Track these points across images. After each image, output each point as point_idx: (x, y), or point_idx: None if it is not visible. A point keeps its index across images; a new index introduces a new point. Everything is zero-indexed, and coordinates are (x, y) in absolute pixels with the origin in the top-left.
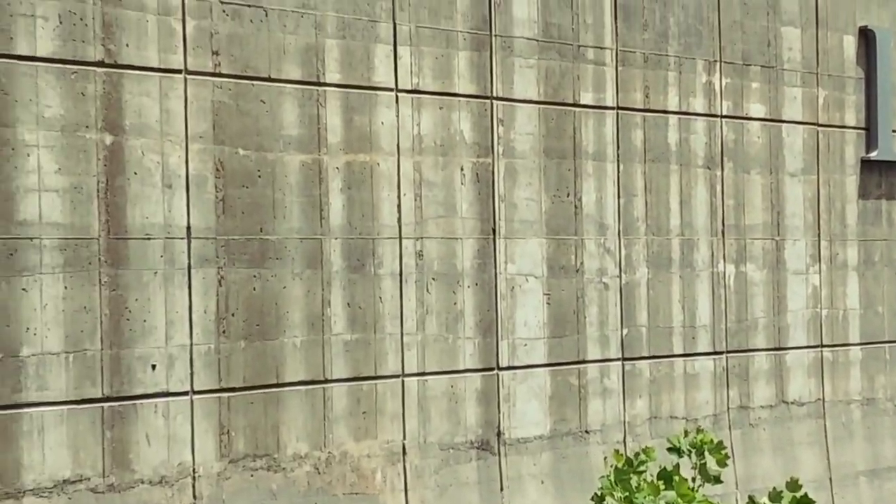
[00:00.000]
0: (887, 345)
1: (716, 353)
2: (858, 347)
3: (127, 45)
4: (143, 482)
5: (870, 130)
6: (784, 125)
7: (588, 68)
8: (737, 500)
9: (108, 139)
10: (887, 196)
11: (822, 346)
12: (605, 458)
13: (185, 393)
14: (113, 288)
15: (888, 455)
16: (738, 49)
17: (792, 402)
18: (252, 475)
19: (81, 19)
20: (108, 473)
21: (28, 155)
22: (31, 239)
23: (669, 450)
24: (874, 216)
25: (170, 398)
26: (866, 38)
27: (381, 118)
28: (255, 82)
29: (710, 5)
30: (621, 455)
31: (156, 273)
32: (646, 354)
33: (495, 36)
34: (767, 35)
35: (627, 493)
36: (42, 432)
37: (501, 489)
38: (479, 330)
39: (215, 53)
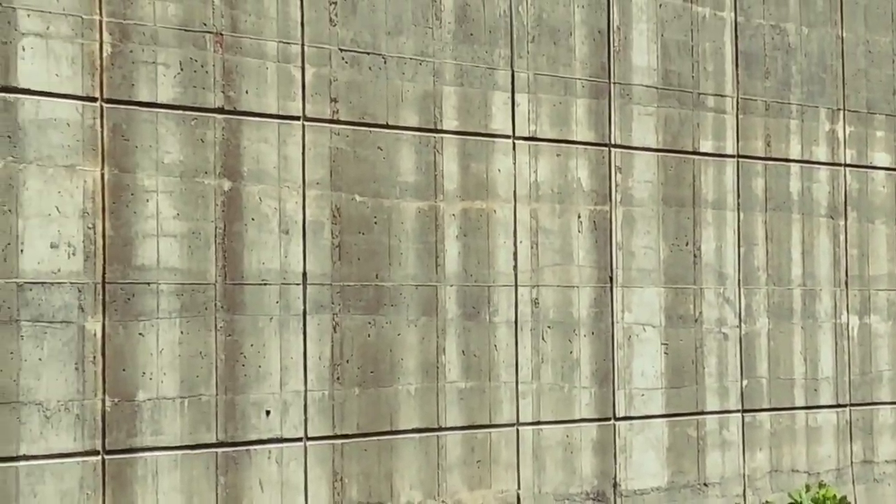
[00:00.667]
0: None
1: (839, 405)
2: None
3: (246, 92)
4: None
5: None
6: None
7: (708, 116)
8: None
9: (227, 185)
10: None
11: None
12: None
13: (299, 439)
14: (228, 333)
15: None
16: (863, 97)
17: None
18: None
19: (202, 66)
20: None
21: (147, 200)
22: (149, 284)
23: None
24: None
25: (284, 444)
26: None
27: (498, 165)
28: (372, 129)
29: (834, 53)
30: None
31: (271, 319)
32: (766, 406)
33: (614, 83)
34: (893, 83)
35: None
36: (156, 477)
37: None
38: (595, 379)
39: (334, 100)
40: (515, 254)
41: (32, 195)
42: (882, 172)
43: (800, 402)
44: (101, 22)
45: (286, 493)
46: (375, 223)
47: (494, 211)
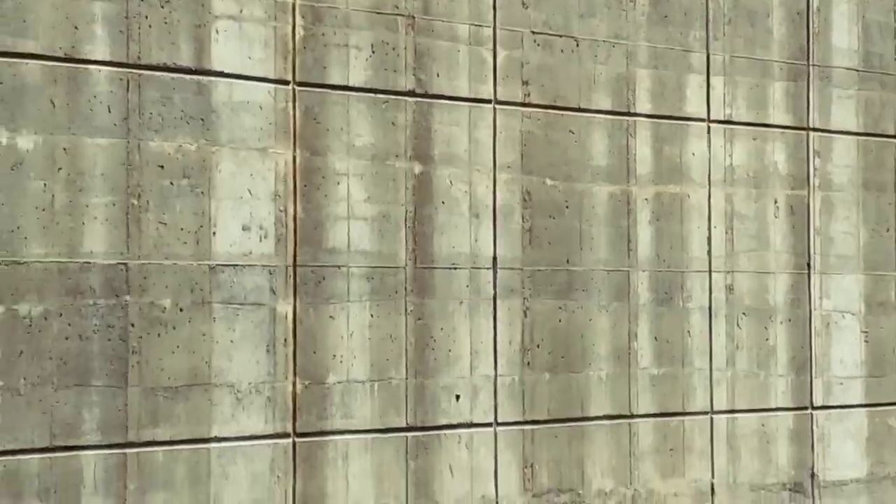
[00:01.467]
0: None
1: None
2: None
3: (437, 75)
4: None
5: None
6: None
7: None
8: None
9: (417, 168)
10: None
11: None
12: None
13: (489, 424)
14: (419, 317)
15: None
16: None
17: None
18: None
19: (394, 49)
20: None
21: (338, 183)
22: (339, 267)
23: None
24: None
25: (473, 429)
26: None
27: (693, 149)
28: (564, 112)
29: None
30: None
31: (461, 303)
32: None
33: (813, 66)
34: None
35: None
36: (346, 460)
37: None
38: (791, 367)
39: (525, 83)
40: (710, 239)
41: (225, 178)
42: None
43: None
44: (294, 5)
45: (476, 478)
46: (567, 207)
47: (688, 195)
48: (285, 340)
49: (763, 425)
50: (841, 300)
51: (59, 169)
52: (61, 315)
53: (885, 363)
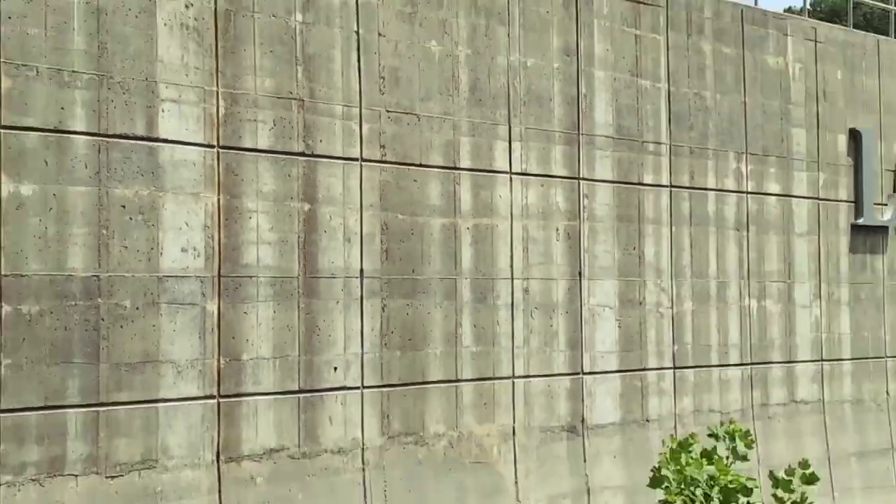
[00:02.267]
0: (871, 360)
1: (743, 364)
2: (849, 361)
3: (321, 141)
4: (326, 451)
5: (857, 203)
6: (793, 199)
7: (649, 158)
8: (759, 474)
9: (306, 207)
10: (871, 251)
11: (822, 360)
12: (663, 441)
13: (358, 388)
14: (308, 312)
15: (872, 442)
16: (760, 144)
17: (800, 402)
18: (404, 448)
19: (289, 122)
20: (302, 445)
21: (250, 218)
22: (251, 277)
23: (709, 435)
24: (860, 266)
25: (346, 391)
26: (854, 136)
27: (500, 193)
28: (410, 167)
29: (738, 112)
30: (674, 439)
31: (338, 302)
32: (691, 364)
33: (581, 134)
34: (781, 134)
35: (679, 467)
36: (255, 415)
37: (584, 461)
38: (568, 345)
39: (382, 147)
40: (511, 256)
41: (169, 214)
42: (773, 198)
43: (714, 361)
44: (217, 92)
45: (348, 426)
46: (412, 234)
47: (497, 225)
48: (212, 330)
49: (549, 386)
50: (602, 298)
51: (50, 209)
52: (52, 313)
53: (632, 342)
